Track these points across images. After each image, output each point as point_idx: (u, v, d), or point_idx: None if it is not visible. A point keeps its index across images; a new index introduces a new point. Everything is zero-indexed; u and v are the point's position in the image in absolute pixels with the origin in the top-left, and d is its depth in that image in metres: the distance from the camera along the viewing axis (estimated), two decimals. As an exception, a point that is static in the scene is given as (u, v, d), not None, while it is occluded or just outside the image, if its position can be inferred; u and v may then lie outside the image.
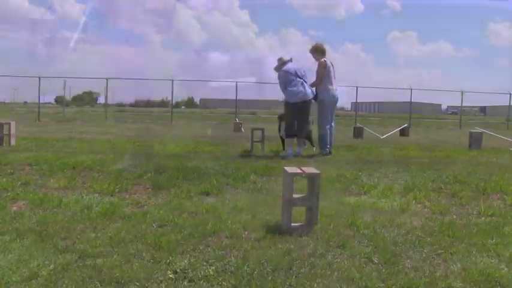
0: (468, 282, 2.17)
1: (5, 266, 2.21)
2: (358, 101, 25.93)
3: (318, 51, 6.81)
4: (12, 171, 4.66)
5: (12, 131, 7.38)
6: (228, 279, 2.14)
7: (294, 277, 2.18)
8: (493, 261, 2.47)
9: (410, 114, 24.82)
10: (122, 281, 2.09)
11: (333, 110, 6.90)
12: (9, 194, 3.75)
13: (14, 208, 3.36)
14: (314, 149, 7.01)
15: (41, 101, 23.04)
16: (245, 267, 2.26)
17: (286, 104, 6.53)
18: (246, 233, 2.81)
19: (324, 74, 6.60)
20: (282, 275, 2.21)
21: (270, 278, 2.16)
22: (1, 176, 4.44)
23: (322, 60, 6.68)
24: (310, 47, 6.95)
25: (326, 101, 6.70)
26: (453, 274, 2.28)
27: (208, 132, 13.34)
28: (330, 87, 6.69)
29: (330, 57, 6.88)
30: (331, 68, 6.72)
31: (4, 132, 7.28)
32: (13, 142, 7.34)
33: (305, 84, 6.45)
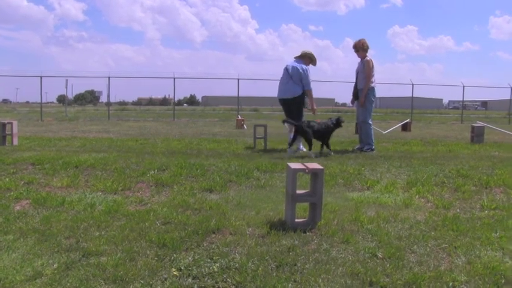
0: (473, 276, 2.17)
1: (9, 265, 2.22)
2: (359, 96, 25.89)
3: (364, 49, 6.78)
4: (15, 170, 4.67)
5: (15, 130, 7.40)
6: (232, 275, 2.14)
7: (298, 273, 2.18)
8: (497, 254, 2.46)
9: (412, 110, 24.81)
10: (126, 279, 2.09)
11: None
12: (12, 193, 3.76)
13: (17, 207, 3.37)
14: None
15: (43, 101, 23.14)
16: (249, 264, 2.26)
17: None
18: (250, 229, 2.81)
19: (371, 73, 6.67)
20: (287, 271, 2.20)
21: (274, 274, 2.16)
22: (4, 175, 4.46)
23: (369, 58, 6.73)
24: (353, 42, 6.90)
25: (372, 99, 6.84)
26: (458, 268, 2.27)
27: (212, 129, 13.32)
28: (373, 84, 6.79)
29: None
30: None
31: (7, 132, 7.30)
32: (16, 142, 7.36)
33: None
